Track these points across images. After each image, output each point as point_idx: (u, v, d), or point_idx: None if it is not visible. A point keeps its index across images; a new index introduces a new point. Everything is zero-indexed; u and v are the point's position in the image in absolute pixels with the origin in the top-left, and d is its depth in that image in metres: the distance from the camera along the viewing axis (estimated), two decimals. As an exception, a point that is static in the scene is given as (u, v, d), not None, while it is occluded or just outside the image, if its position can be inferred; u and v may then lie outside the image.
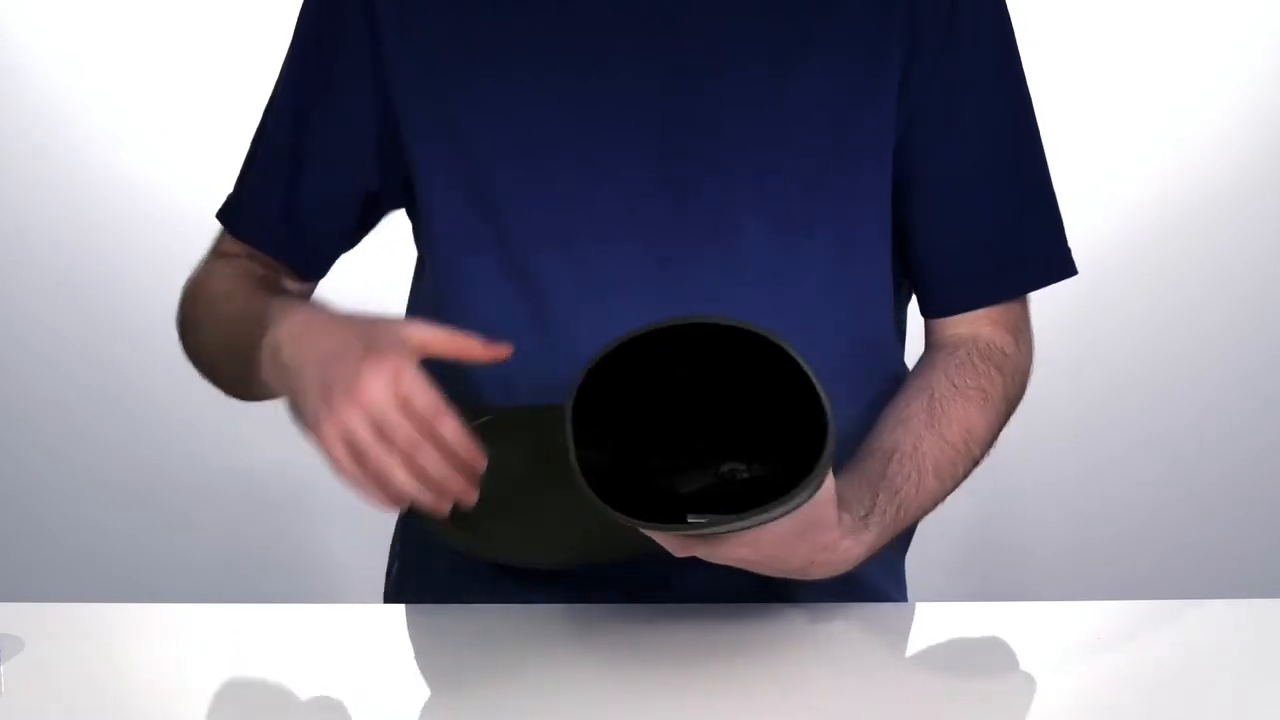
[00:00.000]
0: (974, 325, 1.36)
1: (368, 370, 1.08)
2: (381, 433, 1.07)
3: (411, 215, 1.41)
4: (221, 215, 1.44)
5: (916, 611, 1.31)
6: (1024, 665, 1.20)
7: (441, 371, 1.34)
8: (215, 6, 2.68)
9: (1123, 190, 2.63)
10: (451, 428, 1.08)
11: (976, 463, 1.32)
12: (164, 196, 2.70)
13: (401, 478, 1.08)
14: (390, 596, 1.45)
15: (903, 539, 1.44)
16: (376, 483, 1.08)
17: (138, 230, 2.72)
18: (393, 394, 1.07)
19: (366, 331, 1.12)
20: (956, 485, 1.31)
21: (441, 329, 1.14)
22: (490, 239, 1.31)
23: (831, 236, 1.31)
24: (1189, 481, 2.73)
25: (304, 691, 1.16)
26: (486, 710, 1.12)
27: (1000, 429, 1.35)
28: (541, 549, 1.21)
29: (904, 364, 1.40)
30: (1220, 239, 2.67)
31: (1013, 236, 1.36)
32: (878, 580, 1.36)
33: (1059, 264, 1.38)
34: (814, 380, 1.04)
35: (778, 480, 1.08)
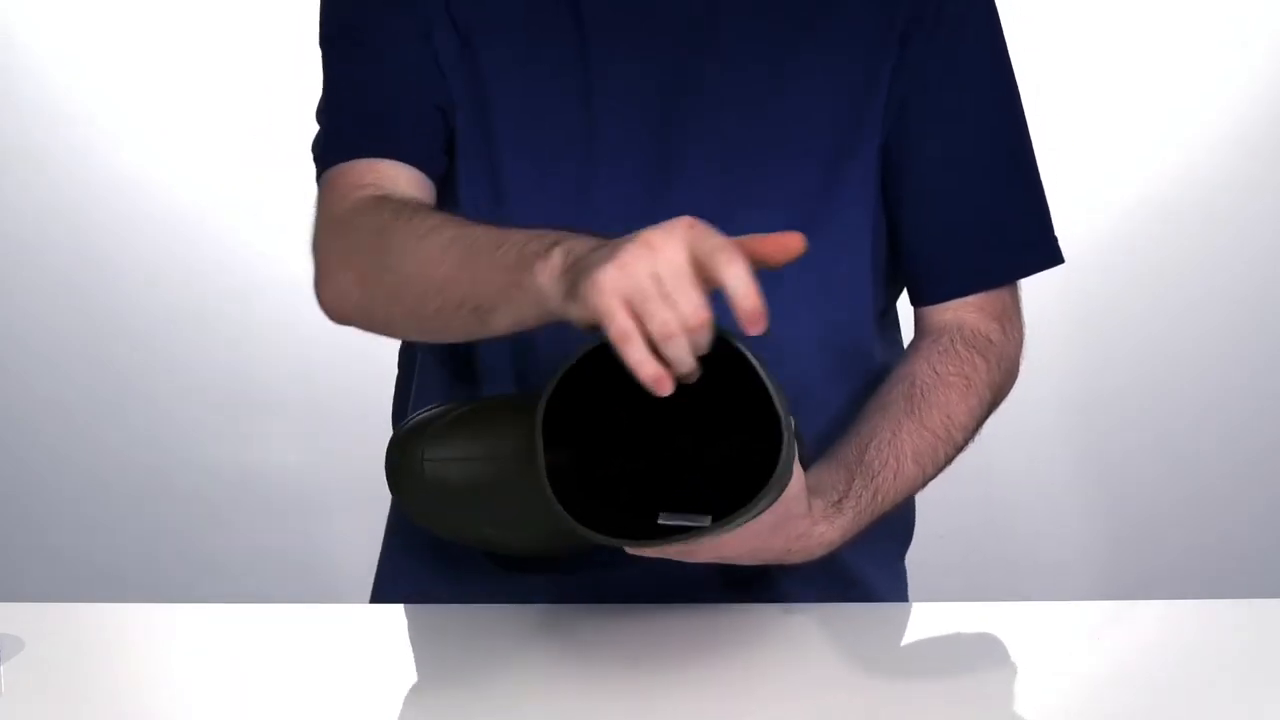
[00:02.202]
0: (959, 313, 1.36)
1: (675, 225, 1.02)
2: (668, 280, 1.00)
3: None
4: (327, 155, 1.33)
5: (914, 611, 1.31)
6: (1023, 665, 1.20)
7: (444, 351, 1.34)
8: (215, 7, 2.68)
9: (1124, 190, 2.63)
10: (740, 269, 1.00)
11: (959, 449, 1.33)
12: (164, 196, 2.70)
13: (672, 325, 1.00)
14: (376, 597, 1.44)
15: (902, 539, 1.44)
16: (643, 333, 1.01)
17: (138, 230, 2.72)
18: (684, 240, 1.01)
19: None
20: (938, 471, 1.31)
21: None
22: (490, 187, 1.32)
23: (828, 237, 1.31)
24: (1189, 481, 2.73)
25: (303, 691, 1.16)
26: (483, 710, 1.12)
27: (985, 416, 1.35)
28: (521, 534, 1.22)
29: (894, 355, 1.41)
30: (1221, 239, 2.67)
31: (997, 225, 1.37)
32: (876, 582, 1.36)
33: (1045, 252, 1.38)
34: (771, 390, 1.05)
35: (749, 461, 1.09)
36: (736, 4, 1.31)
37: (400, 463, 1.21)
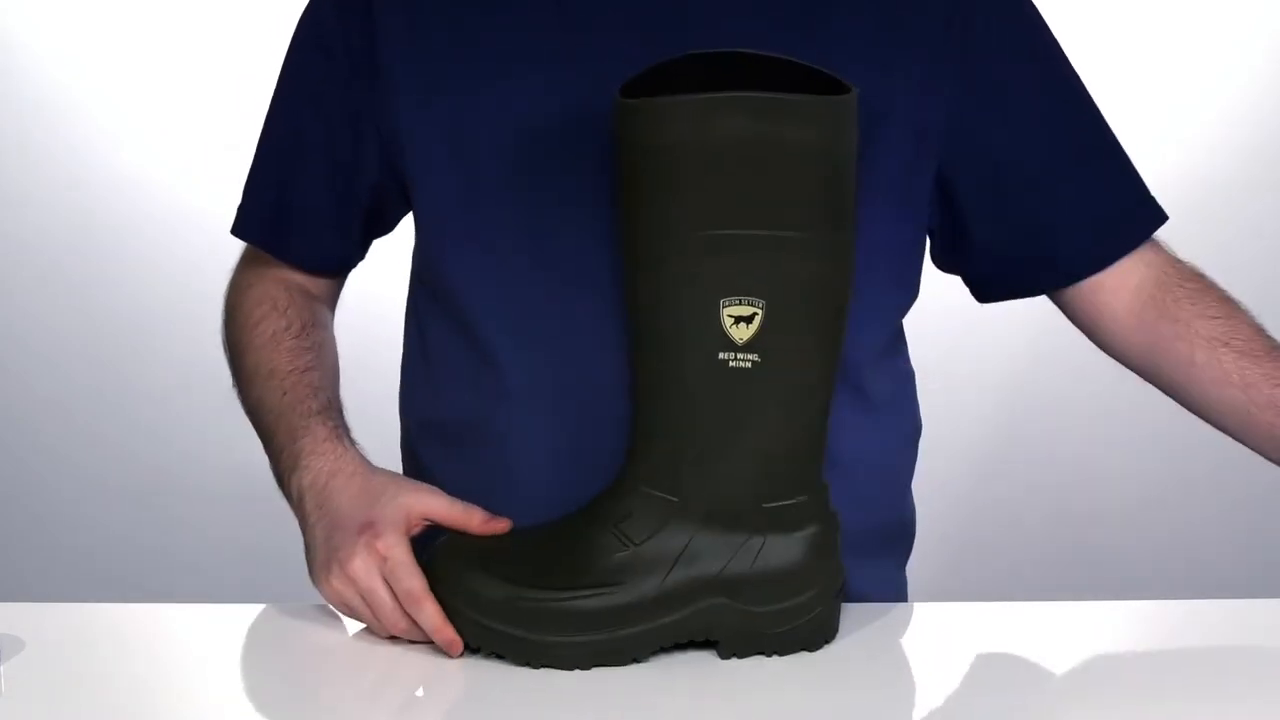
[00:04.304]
0: (1141, 271, 1.39)
1: (360, 549, 1.19)
2: (371, 604, 1.20)
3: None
4: (235, 227, 1.47)
5: (916, 612, 1.31)
6: (1024, 665, 1.20)
7: (460, 346, 1.34)
8: (216, 6, 2.68)
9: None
10: (428, 614, 1.18)
11: None
12: (164, 196, 2.70)
13: (385, 634, 1.21)
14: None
15: (902, 550, 1.43)
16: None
17: (138, 230, 2.72)
18: (379, 575, 1.19)
19: (373, 500, 1.22)
20: None
21: (446, 501, 1.22)
22: (476, 234, 1.32)
23: None
24: (1189, 481, 2.73)
25: (304, 691, 1.16)
26: (486, 709, 1.12)
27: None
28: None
29: (898, 381, 1.41)
30: (1221, 237, 2.67)
31: (1118, 190, 1.39)
32: (876, 594, 1.35)
33: (1156, 209, 1.41)
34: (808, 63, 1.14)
35: None
36: (738, 6, 1.30)
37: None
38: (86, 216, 2.72)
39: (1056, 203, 1.37)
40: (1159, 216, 1.41)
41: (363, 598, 1.20)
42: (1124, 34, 2.65)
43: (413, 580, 1.18)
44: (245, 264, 1.48)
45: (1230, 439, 1.41)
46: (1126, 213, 1.39)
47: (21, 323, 2.76)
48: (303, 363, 1.38)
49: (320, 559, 1.23)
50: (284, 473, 1.31)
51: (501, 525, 1.22)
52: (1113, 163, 1.40)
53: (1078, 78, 1.39)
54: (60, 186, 2.72)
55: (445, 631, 1.17)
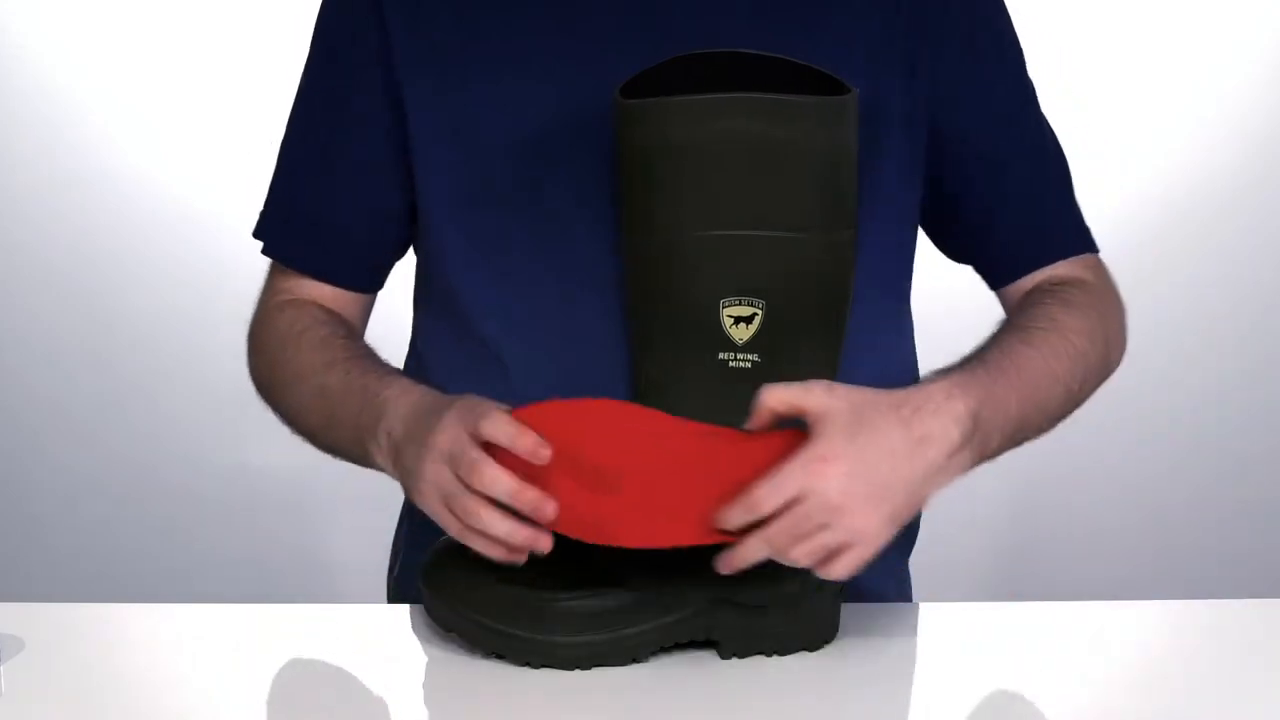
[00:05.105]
0: (1047, 271, 1.37)
1: (447, 419, 1.13)
2: (459, 469, 1.11)
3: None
4: (256, 232, 1.42)
5: (920, 612, 1.31)
6: (1024, 665, 1.20)
7: (464, 345, 1.33)
8: (217, 6, 2.68)
9: (1125, 187, 2.63)
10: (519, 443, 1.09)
11: (1080, 353, 1.30)
12: (165, 196, 2.70)
13: (476, 508, 1.11)
14: (393, 596, 1.45)
15: (905, 543, 1.44)
16: (471, 527, 1.12)
17: (138, 230, 2.72)
18: (466, 432, 1.11)
19: (455, 402, 1.16)
20: (1063, 371, 1.28)
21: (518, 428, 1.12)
22: (478, 234, 1.32)
23: None
24: (1189, 481, 2.73)
25: (304, 691, 1.16)
26: (487, 709, 1.12)
27: (1098, 335, 1.33)
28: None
29: (898, 360, 1.40)
30: (1223, 233, 2.67)
31: (1043, 202, 1.38)
32: (879, 586, 1.35)
33: (1083, 236, 1.39)
34: (808, 63, 1.15)
35: None
36: (737, 9, 1.30)
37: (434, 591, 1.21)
38: (86, 216, 2.72)
39: (1004, 201, 1.37)
40: (1088, 242, 1.40)
41: (452, 467, 1.12)
42: (1124, 32, 2.65)
43: (500, 424, 1.10)
44: (269, 295, 1.42)
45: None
46: (1062, 226, 1.39)
47: (21, 323, 2.76)
48: (361, 349, 1.34)
49: (413, 466, 1.16)
50: (365, 431, 1.24)
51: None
52: (1057, 173, 1.40)
53: (1033, 86, 1.39)
54: (60, 186, 2.72)
55: (521, 438, 1.09)
